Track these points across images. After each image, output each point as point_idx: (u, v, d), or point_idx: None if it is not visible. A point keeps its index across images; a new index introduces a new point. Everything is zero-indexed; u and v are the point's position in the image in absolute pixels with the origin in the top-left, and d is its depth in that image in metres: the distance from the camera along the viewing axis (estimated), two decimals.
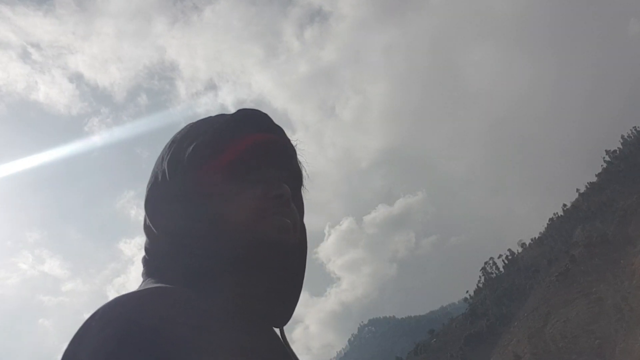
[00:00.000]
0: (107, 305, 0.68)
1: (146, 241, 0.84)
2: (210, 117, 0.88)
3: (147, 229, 0.84)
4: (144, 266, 0.84)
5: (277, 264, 0.78)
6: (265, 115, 0.86)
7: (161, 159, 0.85)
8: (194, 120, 0.88)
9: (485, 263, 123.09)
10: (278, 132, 0.86)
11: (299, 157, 0.89)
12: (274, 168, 0.84)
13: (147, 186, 0.85)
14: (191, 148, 0.81)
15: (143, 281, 0.82)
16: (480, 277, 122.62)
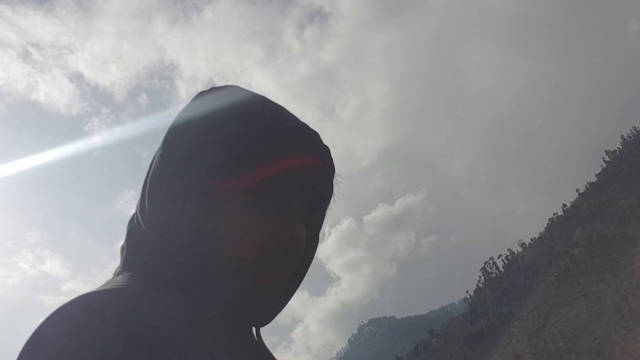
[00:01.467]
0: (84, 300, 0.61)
1: (132, 233, 0.74)
2: (240, 103, 0.74)
3: (137, 220, 0.74)
4: (123, 258, 0.73)
5: (265, 297, 0.72)
6: (315, 134, 0.74)
7: (172, 145, 0.73)
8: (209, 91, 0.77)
9: (485, 263, 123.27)
10: (322, 154, 0.74)
11: (336, 178, 0.78)
12: (301, 198, 0.73)
13: (149, 173, 0.74)
14: (215, 153, 0.69)
15: (120, 274, 0.71)
16: (480, 277, 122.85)
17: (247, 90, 0.77)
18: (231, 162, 0.69)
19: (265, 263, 0.69)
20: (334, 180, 0.78)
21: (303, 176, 0.73)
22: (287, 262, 0.71)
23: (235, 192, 0.69)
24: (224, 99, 0.75)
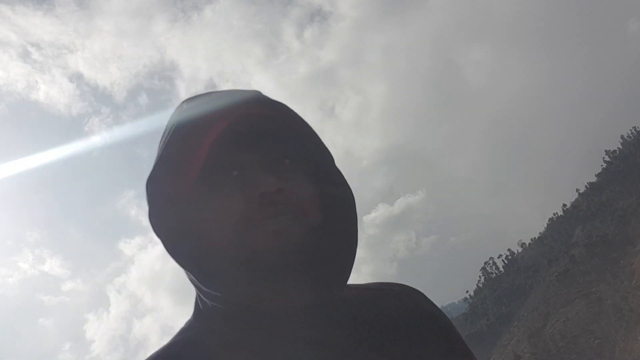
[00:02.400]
0: None
1: None
2: (195, 98, 0.76)
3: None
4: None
5: (282, 269, 0.66)
6: (225, 92, 0.74)
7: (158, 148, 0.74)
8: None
9: (485, 263, 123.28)
10: (245, 105, 0.71)
11: (288, 111, 0.73)
12: (250, 155, 0.69)
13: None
14: (163, 146, 0.71)
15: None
16: (480, 277, 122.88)
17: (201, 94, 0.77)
18: (170, 150, 0.70)
19: (257, 229, 0.66)
20: (284, 115, 0.73)
21: (231, 138, 0.69)
22: (277, 214, 0.66)
23: (190, 177, 0.69)
24: (176, 109, 0.76)
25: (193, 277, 0.70)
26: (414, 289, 0.87)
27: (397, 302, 0.80)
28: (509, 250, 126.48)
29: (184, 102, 0.77)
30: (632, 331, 60.02)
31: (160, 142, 0.74)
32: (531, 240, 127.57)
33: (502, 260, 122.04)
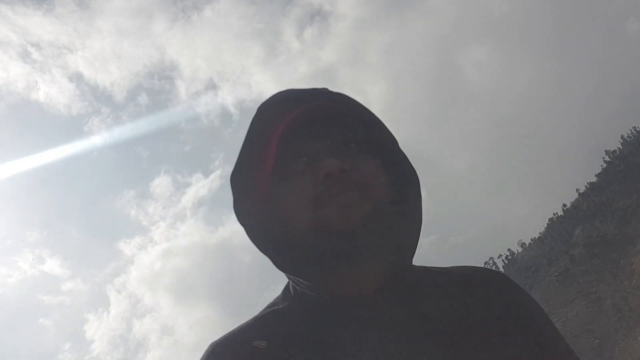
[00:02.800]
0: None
1: None
2: (268, 99, 0.81)
3: None
4: None
5: (350, 244, 0.70)
6: (286, 91, 0.80)
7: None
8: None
9: (485, 263, 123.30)
10: (307, 98, 0.77)
11: (350, 101, 0.80)
12: (320, 140, 0.76)
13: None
14: (242, 143, 0.80)
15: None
16: None
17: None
18: (245, 159, 0.78)
19: (326, 207, 0.71)
20: (346, 104, 0.79)
21: (302, 127, 0.75)
22: (342, 191, 0.71)
23: (261, 180, 0.76)
24: None
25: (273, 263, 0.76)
26: (501, 274, 0.85)
27: (478, 290, 0.79)
28: (509, 250, 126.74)
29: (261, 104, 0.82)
30: (632, 331, 60.13)
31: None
32: (531, 240, 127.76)
33: (503, 260, 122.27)
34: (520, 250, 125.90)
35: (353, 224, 0.70)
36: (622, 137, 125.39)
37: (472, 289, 0.79)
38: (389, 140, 0.81)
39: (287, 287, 0.80)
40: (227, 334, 0.74)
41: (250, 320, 0.76)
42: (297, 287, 0.77)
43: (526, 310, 0.80)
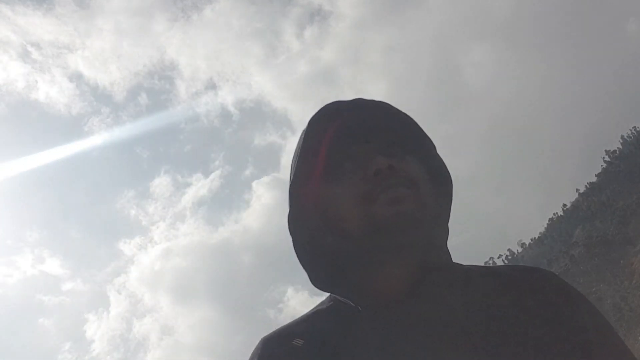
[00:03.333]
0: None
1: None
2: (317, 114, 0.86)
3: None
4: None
5: (402, 235, 0.74)
6: (332, 102, 0.85)
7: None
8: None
9: (485, 263, 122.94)
10: (351, 107, 0.83)
11: (390, 107, 0.84)
12: (364, 144, 0.81)
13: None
14: (294, 170, 0.84)
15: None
16: None
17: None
18: (299, 167, 0.82)
19: (377, 201, 0.74)
20: (386, 110, 0.84)
21: (347, 134, 0.81)
22: (392, 186, 0.75)
23: (317, 186, 0.81)
24: None
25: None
26: (551, 275, 0.83)
27: (520, 293, 0.78)
28: (509, 250, 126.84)
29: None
30: (632, 331, 60.13)
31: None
32: (531, 240, 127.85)
33: (503, 261, 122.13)
34: (520, 250, 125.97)
35: (404, 217, 0.73)
36: (622, 137, 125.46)
37: (514, 292, 0.78)
38: (429, 144, 0.86)
39: (328, 297, 0.85)
40: (276, 329, 0.81)
41: (298, 318, 0.82)
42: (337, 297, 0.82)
43: (574, 315, 0.76)
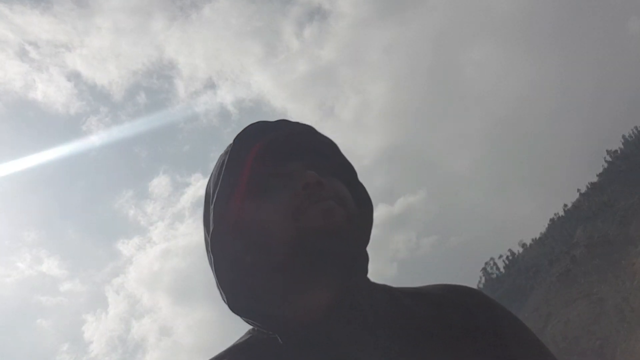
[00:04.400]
0: None
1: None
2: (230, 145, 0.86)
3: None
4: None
5: (331, 247, 0.74)
6: (257, 122, 0.84)
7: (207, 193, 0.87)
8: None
9: (486, 263, 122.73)
10: (277, 128, 0.83)
11: (315, 131, 0.85)
12: (291, 162, 0.81)
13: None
14: (214, 189, 0.81)
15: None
16: (480, 277, 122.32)
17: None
18: (218, 190, 0.80)
19: (306, 212, 0.74)
20: (313, 130, 0.85)
21: (276, 151, 0.81)
22: (322, 199, 0.75)
23: (244, 201, 0.78)
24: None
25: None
26: (473, 290, 0.86)
27: (445, 308, 0.79)
28: (509, 250, 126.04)
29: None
30: (634, 332, 59.52)
31: (211, 179, 0.84)
32: (532, 240, 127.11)
33: (503, 261, 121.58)
34: (521, 250, 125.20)
35: (334, 229, 0.73)
36: (623, 136, 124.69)
37: (438, 309, 0.79)
38: (351, 170, 0.88)
39: (248, 330, 0.82)
40: None
41: (214, 357, 0.78)
42: (255, 328, 0.79)
43: (498, 325, 0.79)
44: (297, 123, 0.85)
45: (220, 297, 0.78)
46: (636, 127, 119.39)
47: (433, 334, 0.74)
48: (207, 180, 0.84)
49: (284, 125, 0.84)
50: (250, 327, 0.81)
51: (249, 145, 0.80)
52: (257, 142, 0.80)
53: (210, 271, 0.78)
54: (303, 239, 0.73)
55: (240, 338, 0.82)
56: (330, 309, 0.73)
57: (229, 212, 0.78)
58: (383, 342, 0.71)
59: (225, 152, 0.84)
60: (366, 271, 0.81)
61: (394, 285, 0.86)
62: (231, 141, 0.82)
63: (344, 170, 0.86)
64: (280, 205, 0.76)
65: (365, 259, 0.82)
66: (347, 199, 0.79)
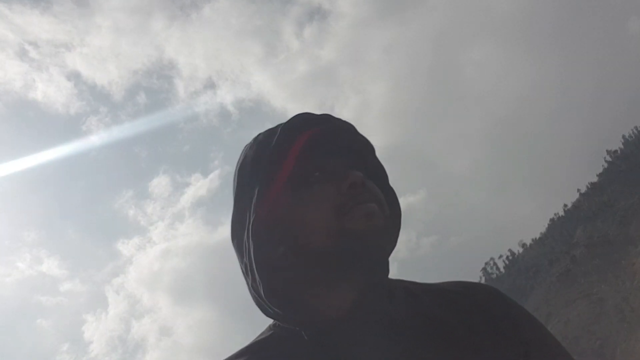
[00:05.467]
0: None
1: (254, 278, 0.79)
2: (268, 130, 0.87)
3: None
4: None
5: (372, 251, 0.75)
6: (303, 114, 0.84)
7: (234, 184, 0.86)
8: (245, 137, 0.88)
9: (486, 263, 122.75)
10: (322, 121, 0.83)
11: (356, 130, 0.86)
12: (334, 158, 0.81)
13: (232, 219, 0.85)
14: (250, 177, 0.82)
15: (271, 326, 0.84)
16: (480, 277, 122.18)
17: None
18: (259, 175, 0.80)
19: (350, 213, 0.75)
20: (354, 129, 0.86)
21: (321, 144, 0.81)
22: (365, 200, 0.76)
23: (284, 192, 0.79)
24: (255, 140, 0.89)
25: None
26: (489, 287, 0.89)
27: (462, 303, 0.82)
28: (509, 250, 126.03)
29: (257, 136, 0.88)
30: (634, 332, 59.50)
31: (240, 173, 0.85)
32: (532, 240, 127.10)
33: (503, 261, 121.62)
34: (521, 250, 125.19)
35: (376, 231, 0.75)
36: (623, 136, 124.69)
37: (456, 305, 0.82)
38: (384, 174, 0.88)
39: (269, 326, 0.84)
40: None
41: (238, 351, 0.80)
42: (278, 325, 0.80)
43: (515, 323, 0.81)
44: (340, 119, 0.85)
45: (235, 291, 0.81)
46: (636, 127, 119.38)
47: (454, 334, 0.76)
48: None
49: (328, 120, 0.84)
50: (271, 322, 0.82)
51: (294, 135, 0.80)
52: (302, 133, 0.80)
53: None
54: (344, 238, 0.74)
55: (262, 334, 0.82)
56: (354, 307, 0.75)
57: (267, 201, 0.78)
58: (405, 343, 0.73)
59: (255, 141, 0.85)
60: (388, 271, 0.82)
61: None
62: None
63: (379, 173, 0.87)
64: (324, 201, 0.76)
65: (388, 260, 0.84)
66: (384, 203, 0.80)
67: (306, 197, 0.77)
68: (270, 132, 0.84)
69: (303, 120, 0.83)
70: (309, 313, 0.75)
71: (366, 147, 0.86)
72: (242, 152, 0.86)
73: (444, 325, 0.77)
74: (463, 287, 0.87)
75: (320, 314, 0.75)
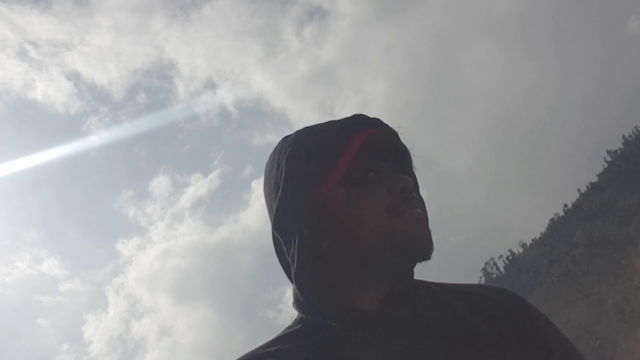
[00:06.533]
0: None
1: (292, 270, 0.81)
2: (317, 125, 0.89)
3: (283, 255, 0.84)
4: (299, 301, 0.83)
5: (412, 252, 0.79)
6: (359, 115, 0.87)
7: (275, 176, 0.86)
8: (296, 131, 0.90)
9: (486, 263, 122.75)
10: (374, 124, 0.86)
11: (402, 139, 0.89)
12: (385, 161, 0.84)
13: (271, 211, 0.86)
14: (304, 167, 0.82)
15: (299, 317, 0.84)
16: (480, 277, 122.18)
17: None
18: (314, 169, 0.81)
19: (401, 216, 0.78)
20: (399, 136, 0.89)
21: (375, 146, 0.84)
22: (416, 206, 0.81)
23: (337, 188, 0.81)
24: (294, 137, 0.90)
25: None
26: (512, 293, 0.91)
27: (485, 307, 0.84)
28: (509, 250, 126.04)
29: (290, 135, 0.90)
30: (634, 332, 59.57)
31: (278, 170, 0.85)
32: (532, 240, 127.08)
33: (503, 261, 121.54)
34: (521, 250, 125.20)
35: (424, 236, 0.79)
36: (623, 136, 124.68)
37: (482, 309, 0.83)
38: (416, 180, 0.91)
39: (297, 318, 0.85)
40: (246, 353, 0.81)
41: (269, 341, 0.82)
42: (307, 317, 0.81)
43: (541, 332, 0.83)
44: (388, 125, 0.88)
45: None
46: (636, 127, 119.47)
47: (481, 338, 0.78)
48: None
49: (380, 124, 0.87)
50: (298, 316, 0.84)
51: (351, 134, 0.83)
52: (358, 133, 0.83)
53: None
54: (394, 238, 0.77)
55: (290, 326, 0.84)
56: (386, 305, 0.77)
57: (318, 195, 0.80)
58: (433, 344, 0.75)
59: (301, 136, 0.87)
60: (413, 273, 0.84)
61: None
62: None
63: (415, 181, 0.89)
64: (378, 201, 0.79)
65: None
66: (426, 211, 0.84)
67: (362, 195, 0.79)
68: (323, 128, 0.87)
69: (359, 121, 0.85)
70: (343, 307, 0.77)
71: (406, 156, 0.89)
72: (286, 143, 0.88)
73: (471, 328, 0.78)
74: (489, 291, 0.89)
75: (353, 309, 0.77)
